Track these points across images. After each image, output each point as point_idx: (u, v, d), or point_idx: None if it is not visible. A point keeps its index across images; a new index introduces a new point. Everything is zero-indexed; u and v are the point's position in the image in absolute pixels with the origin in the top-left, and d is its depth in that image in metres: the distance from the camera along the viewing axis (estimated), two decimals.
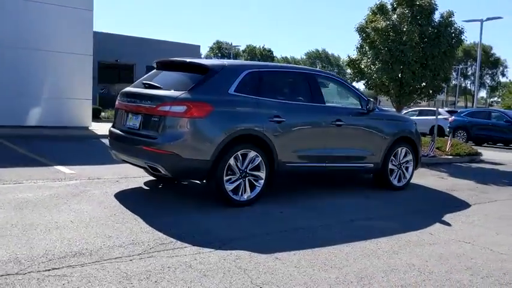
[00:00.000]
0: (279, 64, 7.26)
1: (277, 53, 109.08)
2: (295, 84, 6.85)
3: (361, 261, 4.29)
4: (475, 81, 47.62)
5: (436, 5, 12.41)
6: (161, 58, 6.78)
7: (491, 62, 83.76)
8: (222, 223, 5.25)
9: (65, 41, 14.09)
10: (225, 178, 5.74)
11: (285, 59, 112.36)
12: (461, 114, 23.12)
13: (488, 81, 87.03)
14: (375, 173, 7.60)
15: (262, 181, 6.06)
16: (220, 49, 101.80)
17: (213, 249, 4.32)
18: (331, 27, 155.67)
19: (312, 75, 7.01)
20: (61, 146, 11.27)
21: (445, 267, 4.23)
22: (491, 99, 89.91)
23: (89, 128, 14.98)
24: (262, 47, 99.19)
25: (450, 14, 12.38)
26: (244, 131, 5.84)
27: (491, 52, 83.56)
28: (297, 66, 8.68)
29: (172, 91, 5.73)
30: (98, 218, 5.10)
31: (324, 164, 6.81)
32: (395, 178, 7.73)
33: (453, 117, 23.45)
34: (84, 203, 5.69)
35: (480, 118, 22.15)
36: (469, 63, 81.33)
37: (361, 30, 12.72)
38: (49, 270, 3.64)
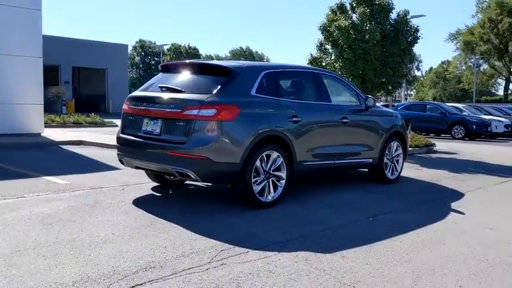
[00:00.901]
0: (289, 64, 7.30)
1: (202, 51, 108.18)
2: (306, 83, 6.96)
3: (418, 253, 4.47)
4: None
5: (393, 4, 13.01)
6: (171, 61, 6.63)
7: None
8: (261, 225, 5.23)
9: (14, 42, 13.21)
10: (253, 180, 5.73)
11: (209, 57, 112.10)
12: (399, 108, 24.34)
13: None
14: (373, 167, 7.88)
15: (284, 181, 6.11)
16: (143, 48, 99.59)
17: (276, 252, 4.32)
18: (256, 25, 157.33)
19: (319, 74, 7.17)
20: (26, 155, 10.63)
21: (497, 254, 4.51)
22: (406, 93, 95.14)
23: (42, 134, 14.16)
24: (188, 46, 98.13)
25: (406, 12, 13.03)
26: (268, 132, 5.86)
27: (410, 48, 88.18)
28: (305, 65, 8.77)
29: (198, 94, 5.62)
30: (137, 228, 4.91)
31: (333, 161, 6.98)
32: (389, 171, 8.07)
33: None
34: (110, 214, 5.44)
35: (416, 111, 23.48)
36: None
37: (323, 29, 13.03)
38: (134, 287, 3.49)
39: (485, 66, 72.43)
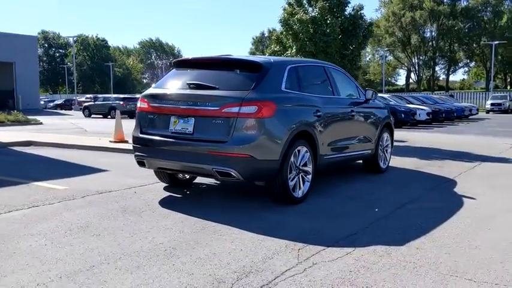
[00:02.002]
0: (304, 59, 7.29)
1: (111, 43, 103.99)
2: (321, 77, 6.98)
3: (479, 237, 4.69)
4: None
5: None
6: (192, 56, 6.34)
7: None
8: (309, 220, 5.21)
9: None
10: (288, 176, 5.70)
11: (118, 49, 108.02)
12: None
13: None
14: (370, 158, 8.13)
15: (310, 176, 6.13)
16: (46, 39, 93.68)
17: (352, 248, 4.32)
18: (166, 15, 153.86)
19: (328, 67, 7.25)
20: None
21: None
22: None
23: None
24: (96, 37, 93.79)
25: (360, 7, 13.49)
26: (300, 128, 5.84)
27: None
28: (317, 60, 8.75)
29: (235, 91, 5.46)
30: (194, 233, 4.70)
31: (345, 154, 7.11)
32: (381, 161, 8.37)
33: None
34: (150, 219, 5.16)
35: None
36: None
37: (284, 22, 13.12)
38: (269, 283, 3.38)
39: (390, 57, 76.90)
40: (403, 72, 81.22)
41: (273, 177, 5.57)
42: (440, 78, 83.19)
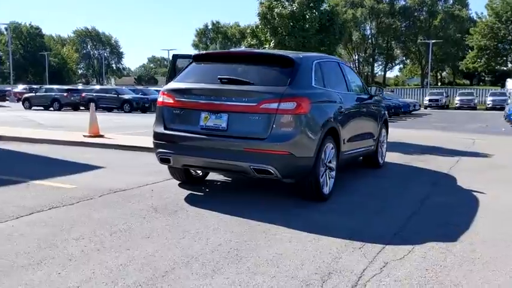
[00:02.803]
0: (321, 54, 7.22)
1: (45, 31, 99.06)
2: (338, 73, 6.94)
3: None
4: None
5: None
6: (215, 50, 6.10)
7: None
8: (348, 218, 5.20)
9: None
10: (320, 173, 5.66)
11: (52, 38, 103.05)
12: None
13: None
14: (372, 154, 8.23)
15: (334, 172, 6.12)
16: None
17: (411, 245, 4.27)
18: (102, 4, 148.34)
19: (341, 63, 7.24)
20: None
21: None
22: None
23: None
24: (29, 25, 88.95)
25: (336, 3, 13.64)
26: (330, 124, 5.80)
27: None
28: (329, 55, 8.64)
29: (271, 87, 5.32)
30: (245, 233, 4.54)
31: (356, 150, 7.15)
32: (380, 157, 8.52)
33: None
34: (188, 219, 4.95)
35: None
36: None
37: (262, 16, 13.03)
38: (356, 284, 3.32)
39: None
40: None
41: (307, 174, 5.50)
42: (377, 75, 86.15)
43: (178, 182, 6.60)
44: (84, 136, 11.41)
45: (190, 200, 5.69)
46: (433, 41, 54.86)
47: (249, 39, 13.54)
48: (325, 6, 13.54)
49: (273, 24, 12.74)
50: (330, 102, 6.01)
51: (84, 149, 9.99)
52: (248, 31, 13.71)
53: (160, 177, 6.86)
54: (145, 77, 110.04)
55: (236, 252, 4.02)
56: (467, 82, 77.20)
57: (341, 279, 3.55)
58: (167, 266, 3.66)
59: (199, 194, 6.12)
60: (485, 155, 10.85)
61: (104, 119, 17.58)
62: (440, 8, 69.88)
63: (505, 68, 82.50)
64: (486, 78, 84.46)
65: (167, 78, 7.83)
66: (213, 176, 7.05)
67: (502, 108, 40.79)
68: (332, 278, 3.56)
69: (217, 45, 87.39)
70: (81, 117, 20.00)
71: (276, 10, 12.62)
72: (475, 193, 6.61)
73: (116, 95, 32.82)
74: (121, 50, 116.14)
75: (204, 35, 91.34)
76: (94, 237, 4.26)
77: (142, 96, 34.28)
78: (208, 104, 5.43)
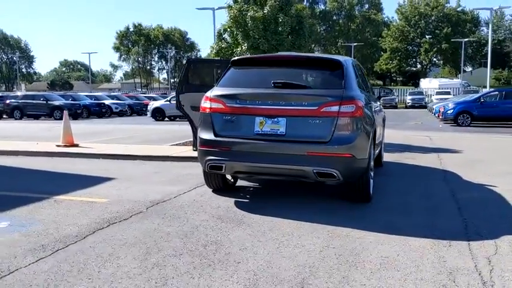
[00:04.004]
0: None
1: None
2: (362, 75, 7.07)
3: None
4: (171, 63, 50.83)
5: None
6: (258, 55, 5.99)
7: (188, 46, 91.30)
8: (406, 218, 5.29)
9: None
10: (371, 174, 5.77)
11: None
12: None
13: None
14: (378, 154, 8.45)
15: (373, 173, 6.27)
16: None
17: (492, 241, 4.47)
18: (11, 5, 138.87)
19: (358, 64, 7.34)
20: None
21: None
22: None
23: None
24: None
25: (303, 7, 13.88)
26: (374, 126, 5.93)
27: (187, 37, 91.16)
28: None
29: (330, 90, 5.35)
30: (335, 238, 4.54)
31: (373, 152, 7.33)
32: (382, 156, 8.81)
33: None
34: (264, 228, 4.84)
35: None
36: (168, 46, 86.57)
37: (234, 19, 12.97)
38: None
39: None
40: None
41: (362, 175, 5.58)
42: None
43: (211, 189, 6.41)
44: (58, 146, 10.69)
45: (244, 207, 5.56)
46: (354, 43, 57.35)
47: (219, 43, 13.37)
48: (293, 9, 13.72)
49: (246, 27, 12.69)
50: (369, 105, 6.14)
51: (71, 160, 9.38)
52: (217, 34, 13.54)
53: (184, 186, 6.65)
54: (59, 81, 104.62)
55: (345, 258, 4.00)
56: (381, 82, 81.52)
57: (467, 278, 3.61)
58: (296, 277, 3.57)
59: (244, 200, 6.00)
60: (455, 151, 11.54)
61: (44, 127, 16.51)
62: (357, 12, 73.22)
63: (414, 69, 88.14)
64: (398, 79, 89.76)
65: (180, 83, 7.58)
66: (239, 182, 6.92)
67: (421, 106, 43.71)
68: (458, 278, 3.63)
69: (140, 48, 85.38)
70: (15, 126, 18.64)
71: (249, 13, 12.58)
72: (490, 187, 7.02)
73: (44, 102, 30.95)
74: (31, 54, 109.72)
75: (125, 38, 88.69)
76: (192, 252, 4.05)
77: (73, 102, 32.72)
78: (264, 109, 5.34)
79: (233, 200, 5.94)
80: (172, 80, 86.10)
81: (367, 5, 78.81)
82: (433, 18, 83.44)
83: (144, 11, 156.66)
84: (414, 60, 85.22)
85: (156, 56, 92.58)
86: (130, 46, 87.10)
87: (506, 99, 22.02)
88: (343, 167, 5.20)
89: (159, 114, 28.04)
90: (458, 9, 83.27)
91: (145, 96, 44.01)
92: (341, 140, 5.18)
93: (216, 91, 5.66)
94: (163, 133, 16.43)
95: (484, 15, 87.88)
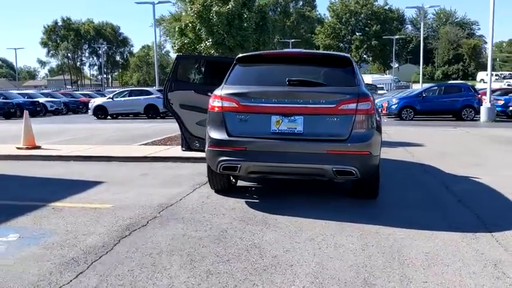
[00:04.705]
0: None
1: None
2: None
3: None
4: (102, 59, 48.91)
5: None
6: (266, 51, 5.87)
7: (121, 41, 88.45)
8: (420, 212, 5.43)
9: None
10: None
11: None
12: None
13: (118, 58, 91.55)
14: None
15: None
16: None
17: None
18: None
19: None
20: None
21: None
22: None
23: None
24: None
25: (265, 3, 13.87)
26: (379, 122, 6.00)
27: (120, 31, 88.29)
28: None
29: (347, 87, 5.36)
30: (367, 237, 4.57)
31: None
32: None
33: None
34: (296, 229, 4.77)
35: None
36: (100, 41, 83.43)
37: (198, 14, 12.73)
38: None
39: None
40: None
41: (374, 172, 5.63)
42: None
43: (213, 190, 6.24)
44: (19, 148, 9.99)
45: (259, 208, 5.45)
46: (292, 40, 58.16)
47: (182, 38, 13.06)
48: (255, 5, 13.68)
49: (210, 23, 12.49)
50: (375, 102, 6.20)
51: (42, 164, 8.78)
52: (176, 30, 13.21)
53: (182, 188, 6.49)
54: None
55: (390, 255, 4.02)
56: None
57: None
58: (357, 278, 3.54)
59: (255, 201, 5.89)
60: (418, 144, 12.00)
61: None
62: (292, 9, 74.29)
63: None
64: None
65: (168, 80, 7.29)
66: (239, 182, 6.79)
67: None
68: (505, 269, 3.73)
69: (70, 43, 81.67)
70: None
71: (214, 8, 12.39)
72: (474, 178, 7.35)
73: None
74: None
75: (53, 33, 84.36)
76: (238, 257, 3.91)
77: (5, 100, 30.75)
78: (281, 107, 5.25)
79: (242, 200, 5.81)
80: (103, 77, 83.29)
81: (301, 2, 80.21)
82: (362, 15, 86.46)
83: (73, 4, 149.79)
84: None
85: (87, 51, 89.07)
86: (59, 41, 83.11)
87: (445, 94, 23.20)
88: (361, 165, 5.21)
89: (101, 112, 26.89)
90: (385, 8, 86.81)
91: (81, 94, 42.19)
92: (359, 137, 5.20)
93: (227, 89, 5.49)
94: (119, 132, 15.83)
95: (409, 13, 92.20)
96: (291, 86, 5.34)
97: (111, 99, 26.93)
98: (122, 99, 26.72)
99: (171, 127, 17.95)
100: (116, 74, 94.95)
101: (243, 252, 4.03)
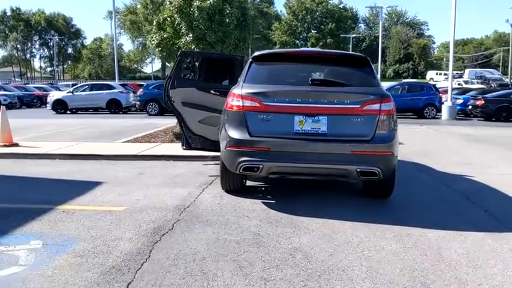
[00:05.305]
0: None
1: None
2: None
3: None
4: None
5: None
6: (283, 50, 5.74)
7: (73, 33, 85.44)
8: (444, 212, 5.52)
9: None
10: None
11: None
12: (150, 88, 24.43)
13: (70, 50, 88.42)
14: None
15: None
16: None
17: None
18: None
19: None
20: None
21: None
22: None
23: None
24: None
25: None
26: None
27: (72, 23, 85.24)
28: None
29: (370, 88, 5.34)
30: (404, 238, 4.58)
31: None
32: None
33: (141, 90, 24.55)
34: (312, 231, 4.72)
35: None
36: (52, 32, 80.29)
37: (179, 8, 12.45)
38: None
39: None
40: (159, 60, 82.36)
41: (392, 172, 5.63)
42: None
43: (224, 190, 6.10)
44: None
45: (280, 209, 5.35)
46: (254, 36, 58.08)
47: (161, 33, 12.72)
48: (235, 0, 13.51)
49: (190, 17, 12.23)
50: None
51: (24, 162, 8.32)
52: (154, 24, 12.85)
53: (190, 188, 6.33)
54: None
55: (432, 257, 4.03)
56: None
57: None
58: (415, 282, 3.52)
59: (271, 201, 5.77)
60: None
61: None
62: (250, 4, 74.14)
63: None
64: None
65: (170, 77, 7.04)
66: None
67: None
68: None
69: (19, 34, 78.13)
70: None
71: (195, 3, 12.14)
72: (469, 177, 7.55)
73: None
74: None
75: (2, 23, 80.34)
76: (286, 262, 3.81)
77: None
78: (305, 107, 5.17)
79: (259, 201, 5.70)
80: (55, 69, 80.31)
81: None
82: (318, 13, 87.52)
83: None
84: None
85: (37, 43, 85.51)
86: (7, 32, 79.32)
87: (408, 92, 23.82)
88: (384, 165, 5.22)
89: (60, 107, 25.93)
90: (340, 6, 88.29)
91: (34, 87, 40.47)
92: (383, 138, 5.20)
93: (247, 88, 5.35)
94: (89, 129, 15.26)
95: (362, 13, 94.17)
96: (313, 85, 5.27)
97: (71, 94, 26.03)
98: (83, 93, 25.93)
99: (140, 123, 17.60)
100: (65, 66, 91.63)
101: (287, 256, 3.93)
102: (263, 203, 5.63)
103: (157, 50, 13.66)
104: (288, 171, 5.36)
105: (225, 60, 8.10)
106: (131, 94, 25.59)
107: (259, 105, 5.23)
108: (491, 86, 40.54)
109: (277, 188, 6.54)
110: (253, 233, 4.49)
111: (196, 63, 7.37)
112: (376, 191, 5.88)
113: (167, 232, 4.49)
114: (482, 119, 22.25)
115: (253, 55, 5.79)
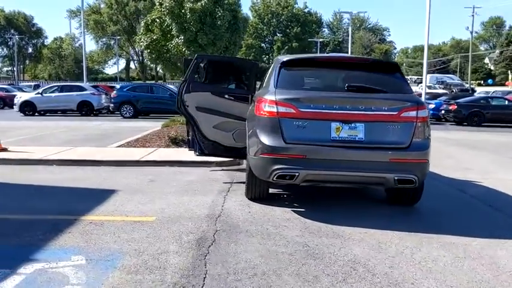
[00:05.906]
0: None
1: None
2: None
3: None
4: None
5: None
6: (314, 55, 5.62)
7: (34, 32, 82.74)
8: (466, 217, 5.55)
9: None
10: None
11: None
12: (124, 89, 23.84)
13: (31, 50, 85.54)
14: None
15: None
16: None
17: None
18: None
19: None
20: None
21: None
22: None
23: None
24: None
25: (235, 1, 13.56)
26: None
27: (33, 22, 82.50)
28: None
29: (407, 95, 5.30)
30: (438, 248, 4.54)
31: None
32: None
33: (115, 92, 23.95)
34: (359, 242, 4.63)
35: (144, 92, 23.56)
36: (11, 31, 77.40)
37: (170, 10, 12.16)
38: None
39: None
40: (122, 61, 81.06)
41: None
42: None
43: (248, 198, 5.92)
44: None
45: (314, 218, 5.21)
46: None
47: (150, 34, 12.39)
48: (226, 3, 13.33)
49: (181, 19, 11.97)
50: None
51: (20, 168, 7.87)
52: (142, 26, 12.52)
53: (211, 196, 6.15)
54: None
55: (492, 268, 4.00)
56: None
57: None
58: None
59: (301, 209, 5.62)
60: None
61: None
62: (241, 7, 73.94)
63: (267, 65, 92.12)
64: None
65: (185, 80, 6.80)
66: None
67: None
68: None
69: None
70: None
71: (187, 5, 11.89)
72: (478, 183, 7.63)
73: None
74: None
75: None
76: (349, 275, 3.68)
77: None
78: (342, 113, 5.06)
79: (288, 210, 5.56)
80: (16, 69, 77.43)
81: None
82: (283, 17, 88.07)
83: None
84: (268, 57, 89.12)
85: None
86: None
87: None
88: (420, 173, 5.17)
89: (28, 109, 24.93)
90: (305, 10, 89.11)
91: None
92: (419, 145, 5.15)
93: (281, 94, 5.19)
94: (70, 132, 14.70)
95: (326, 17, 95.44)
96: (350, 91, 5.17)
97: (40, 95, 25.12)
98: (53, 95, 25.04)
99: (119, 125, 17.14)
100: (23, 67, 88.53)
101: (349, 269, 3.81)
102: (294, 211, 5.49)
103: (146, 51, 13.29)
104: (324, 179, 5.24)
105: (241, 66, 7.88)
106: (103, 96, 24.88)
107: (294, 112, 5.08)
108: (453, 91, 41.62)
109: (297, 195, 6.41)
110: (301, 244, 4.35)
111: (214, 68, 7.14)
112: (403, 198, 5.82)
113: (212, 244, 4.29)
114: (454, 123, 22.78)
115: (281, 60, 5.64)
